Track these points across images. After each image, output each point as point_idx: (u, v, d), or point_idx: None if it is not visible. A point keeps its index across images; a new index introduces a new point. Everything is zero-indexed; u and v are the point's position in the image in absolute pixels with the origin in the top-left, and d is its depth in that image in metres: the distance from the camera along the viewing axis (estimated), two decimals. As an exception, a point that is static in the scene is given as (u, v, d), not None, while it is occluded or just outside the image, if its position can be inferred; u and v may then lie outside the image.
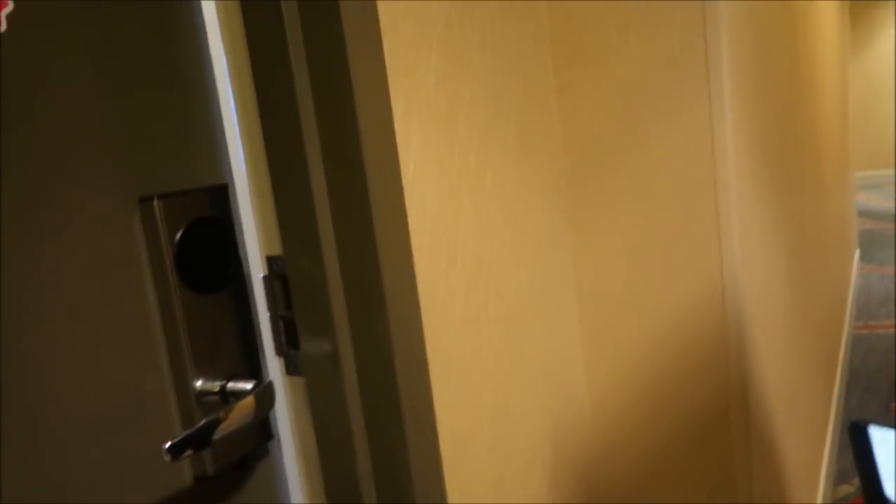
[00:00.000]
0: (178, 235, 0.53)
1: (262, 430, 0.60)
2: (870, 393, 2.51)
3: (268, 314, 0.59)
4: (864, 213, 5.53)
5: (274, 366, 0.61)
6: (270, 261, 0.59)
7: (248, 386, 0.57)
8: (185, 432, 0.49)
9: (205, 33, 0.58)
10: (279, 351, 0.60)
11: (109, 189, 0.51)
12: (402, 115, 0.63)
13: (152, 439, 0.52)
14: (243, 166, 0.59)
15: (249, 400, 0.54)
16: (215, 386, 0.55)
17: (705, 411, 0.89)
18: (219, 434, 0.51)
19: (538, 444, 0.84)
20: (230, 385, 0.57)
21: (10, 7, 0.45)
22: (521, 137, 0.83)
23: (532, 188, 0.84)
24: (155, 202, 0.52)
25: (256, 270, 0.60)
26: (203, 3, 0.57)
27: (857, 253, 4.24)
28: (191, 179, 0.56)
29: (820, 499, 1.76)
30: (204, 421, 0.50)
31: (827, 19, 2.91)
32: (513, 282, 0.79)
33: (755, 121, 1.10)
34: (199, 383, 0.54)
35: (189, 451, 0.49)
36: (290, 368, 0.60)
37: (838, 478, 2.03)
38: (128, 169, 0.52)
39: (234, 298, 0.58)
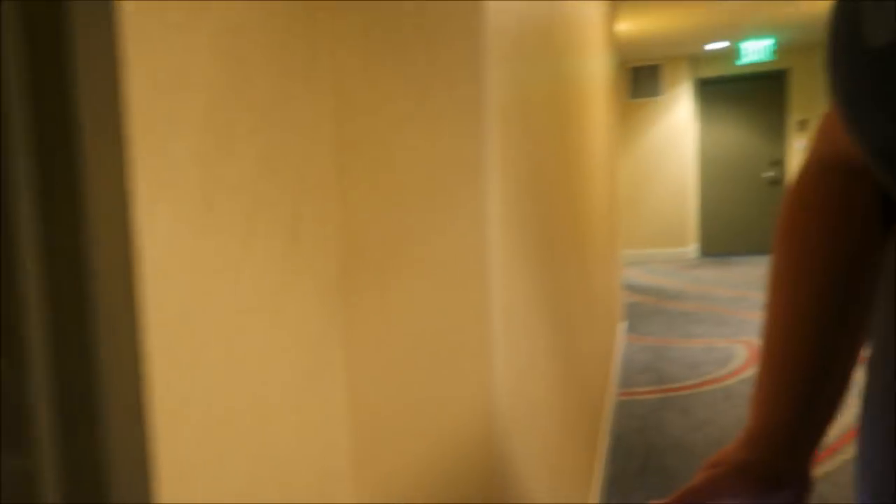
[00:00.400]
0: None
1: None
2: (630, 457, 2.75)
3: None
4: (631, 288, 6.20)
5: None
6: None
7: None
8: None
9: None
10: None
11: None
12: (148, 201, 0.58)
13: None
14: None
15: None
16: None
17: None
18: None
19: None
20: None
21: None
22: (293, 225, 0.80)
23: (301, 279, 0.82)
24: None
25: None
26: None
27: (625, 325, 4.72)
28: None
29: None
30: None
31: (600, 117, 3.28)
32: (272, 381, 0.75)
33: (526, 214, 1.18)
34: None
35: None
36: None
37: (600, 540, 2.17)
38: None
39: None
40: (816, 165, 0.55)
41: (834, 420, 0.55)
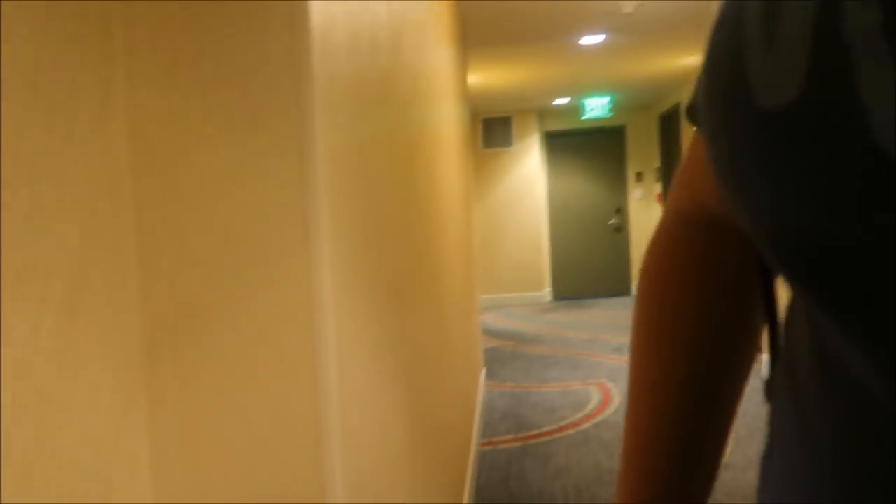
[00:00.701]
0: None
1: None
2: (491, 511, 2.69)
3: None
4: (490, 333, 6.28)
5: None
6: None
7: None
8: None
9: None
10: None
11: None
12: None
13: None
14: None
15: None
16: None
17: None
18: None
19: None
20: None
21: None
22: (72, 296, 0.66)
23: (86, 360, 0.67)
24: None
25: None
26: None
27: (484, 371, 4.73)
28: None
29: None
30: None
31: (454, 166, 3.30)
32: (69, 475, 0.60)
33: (368, 268, 1.09)
34: None
35: None
36: None
37: None
38: None
39: None
40: (676, 221, 0.49)
41: (707, 495, 0.50)
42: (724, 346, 0.47)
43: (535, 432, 3.55)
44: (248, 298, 0.73)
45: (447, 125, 3.19)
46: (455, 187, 3.40)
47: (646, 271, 0.50)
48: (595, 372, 4.67)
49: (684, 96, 6.59)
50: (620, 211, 8.23)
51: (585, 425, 3.60)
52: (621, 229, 8.23)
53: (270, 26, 0.71)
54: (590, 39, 4.70)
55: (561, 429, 3.58)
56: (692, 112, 0.41)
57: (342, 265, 0.87)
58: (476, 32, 4.35)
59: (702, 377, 0.47)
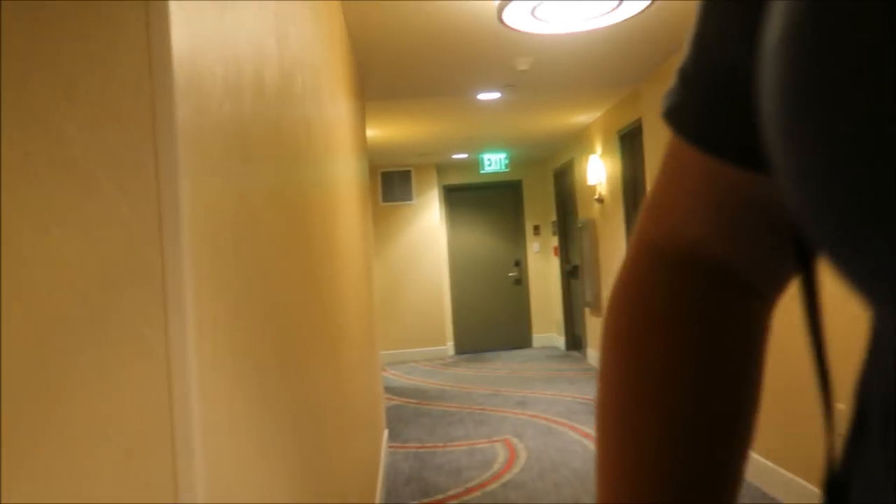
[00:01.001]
0: None
1: None
2: (395, 589, 2.49)
3: None
4: (391, 391, 6.08)
5: None
6: None
7: None
8: None
9: None
10: None
11: None
12: None
13: None
14: None
15: None
16: None
17: None
18: None
19: None
20: None
21: None
22: None
23: None
24: None
25: None
26: None
27: (386, 432, 4.53)
28: None
29: None
30: None
31: (353, 221, 3.18)
32: None
33: (242, 337, 0.94)
34: None
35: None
36: None
37: None
38: None
39: None
40: (649, 259, 0.39)
41: None
42: (712, 422, 0.36)
43: (441, 497, 3.39)
44: (84, 384, 0.58)
45: (345, 178, 3.08)
46: (354, 242, 3.28)
47: (618, 315, 0.40)
48: (500, 428, 4.58)
49: (576, 152, 6.83)
50: (519, 264, 8.34)
51: (492, 486, 3.47)
52: (521, 282, 8.33)
53: (119, 42, 0.59)
54: (487, 96, 4.78)
55: (468, 490, 3.43)
56: (680, 114, 0.32)
57: (214, 332, 0.73)
58: (375, 85, 4.31)
59: (699, 432, 0.36)
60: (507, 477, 3.59)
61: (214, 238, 0.77)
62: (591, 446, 4.00)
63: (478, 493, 3.38)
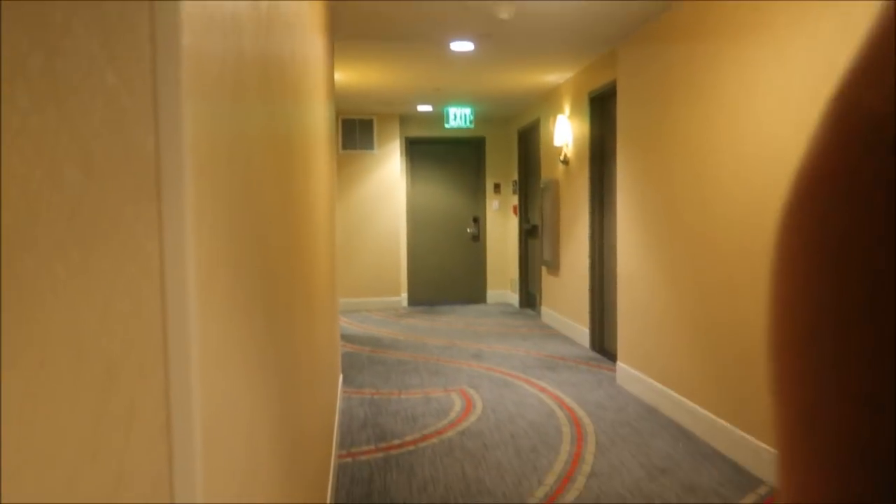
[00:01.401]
0: None
1: None
2: (355, 529, 2.51)
3: None
4: (345, 338, 6.06)
5: None
6: None
7: None
8: None
9: None
10: None
11: None
12: None
13: None
14: None
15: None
16: None
17: None
18: None
19: None
20: None
21: None
22: None
23: None
24: None
25: None
26: None
27: (341, 378, 4.53)
28: None
29: None
30: None
31: (322, 166, 3.10)
32: None
33: (231, 259, 0.90)
34: None
35: None
36: None
37: None
38: None
39: None
40: (870, 137, 0.29)
41: None
42: None
43: (398, 442, 3.42)
44: (62, 289, 0.53)
45: (318, 121, 2.99)
46: (323, 187, 3.21)
47: (815, 228, 0.30)
48: (456, 379, 4.63)
49: (544, 112, 6.81)
50: (478, 220, 8.35)
51: (449, 433, 3.52)
52: (478, 238, 8.35)
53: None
54: (460, 46, 4.69)
55: (424, 437, 3.47)
56: None
57: (210, 241, 0.69)
58: (345, 25, 4.17)
59: None
60: (463, 425, 3.64)
61: (212, 157, 0.72)
62: (548, 401, 4.09)
63: (434, 440, 3.43)
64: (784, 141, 2.70)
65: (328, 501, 2.50)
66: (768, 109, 2.80)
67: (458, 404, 4.03)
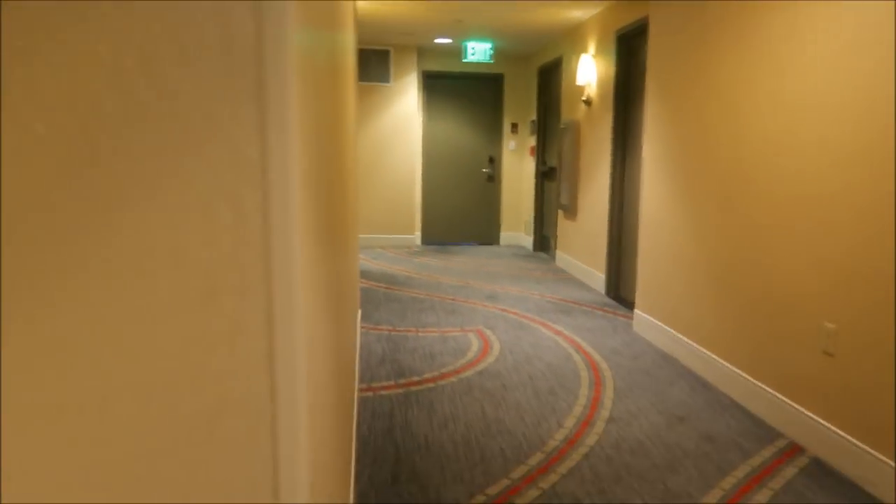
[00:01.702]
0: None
1: None
2: (378, 464, 2.54)
3: None
4: (361, 273, 6.06)
5: None
6: None
7: None
8: None
9: None
10: None
11: None
12: None
13: None
14: None
15: None
16: None
17: None
18: None
19: None
20: None
21: None
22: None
23: None
24: None
25: None
26: None
27: (360, 313, 4.54)
28: None
29: None
30: None
31: (350, 96, 3.01)
32: None
33: (312, 179, 0.85)
34: None
35: None
36: None
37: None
38: None
39: None
40: None
41: None
42: None
43: (417, 379, 3.44)
44: (151, 189, 0.48)
45: (347, 51, 2.88)
46: (350, 120, 3.12)
47: None
48: (472, 318, 4.63)
49: (567, 50, 6.60)
50: (493, 161, 8.23)
51: (468, 373, 3.54)
52: (493, 179, 8.25)
53: None
54: (491, -24, 4.49)
55: (443, 375, 3.49)
56: None
57: (304, 160, 0.64)
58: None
59: None
60: (481, 365, 3.66)
61: (303, 64, 0.66)
62: (564, 344, 4.09)
63: (453, 379, 3.44)
64: (830, 95, 2.59)
65: (353, 432, 2.53)
66: (817, 57, 2.68)
67: (475, 344, 4.05)
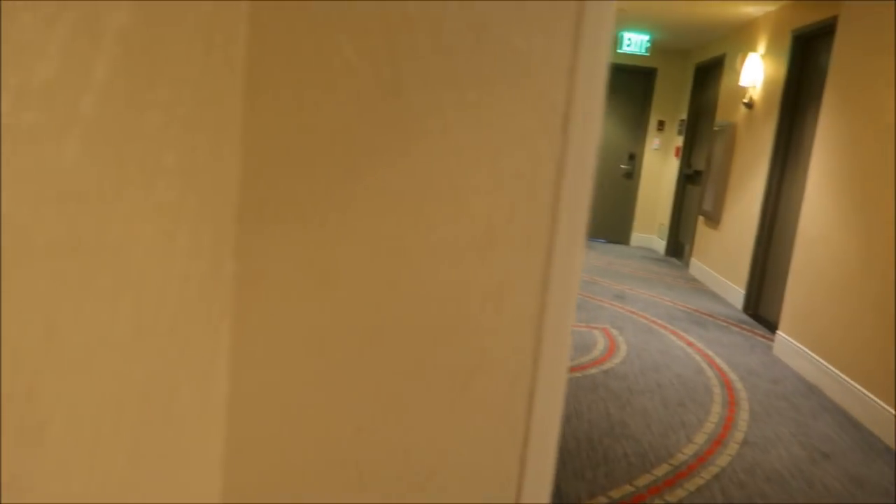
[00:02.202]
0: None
1: None
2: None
3: None
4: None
5: None
6: None
7: None
8: None
9: None
10: None
11: None
12: None
13: None
14: None
15: None
16: None
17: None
18: None
19: None
20: None
21: None
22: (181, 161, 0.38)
23: (189, 219, 0.40)
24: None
25: None
26: None
27: (484, 295, 4.53)
28: None
29: None
30: None
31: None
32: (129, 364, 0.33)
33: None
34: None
35: None
36: None
37: None
38: None
39: None
40: None
41: None
42: None
43: (539, 369, 3.38)
44: (452, 126, 0.45)
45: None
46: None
47: None
48: (598, 316, 4.50)
49: (731, 48, 6.22)
50: (634, 157, 7.94)
51: (592, 370, 3.44)
52: (632, 176, 7.97)
53: None
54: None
55: (569, 370, 3.41)
56: None
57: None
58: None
59: None
60: (607, 365, 3.54)
61: None
62: (696, 356, 3.89)
63: (577, 374, 3.36)
64: None
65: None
66: None
67: (601, 342, 3.93)
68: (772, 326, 4.52)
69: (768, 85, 5.25)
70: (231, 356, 0.46)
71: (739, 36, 6.06)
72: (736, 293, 5.28)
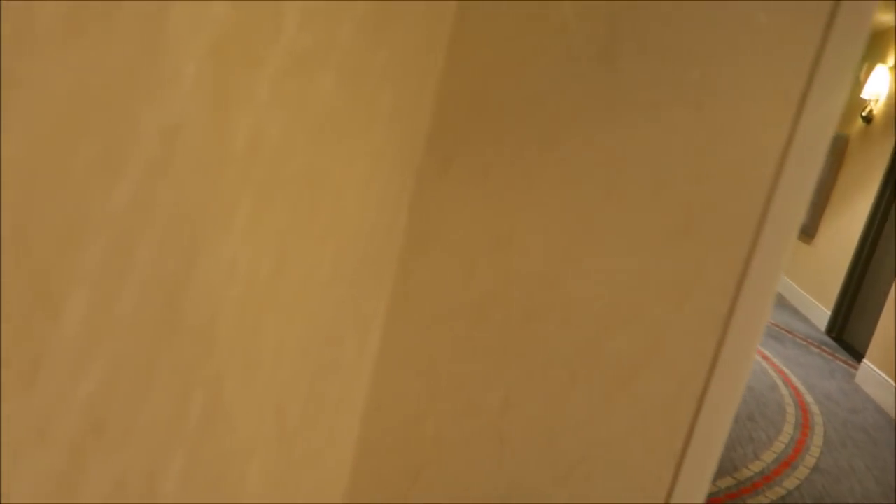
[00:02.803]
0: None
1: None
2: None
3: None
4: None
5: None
6: None
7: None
8: None
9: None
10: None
11: None
12: None
13: None
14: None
15: None
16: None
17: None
18: None
19: None
20: None
21: None
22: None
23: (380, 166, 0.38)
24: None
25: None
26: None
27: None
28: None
29: None
30: None
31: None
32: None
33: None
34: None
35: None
36: None
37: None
38: None
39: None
40: None
41: None
42: None
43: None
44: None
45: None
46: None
47: None
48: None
49: (858, 55, 5.83)
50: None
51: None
52: (724, 176, 7.66)
53: None
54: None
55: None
56: None
57: None
58: None
59: None
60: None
61: None
62: (771, 372, 3.74)
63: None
64: None
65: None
66: None
67: (673, 342, 3.82)
68: (855, 353, 4.30)
69: (893, 100, 4.91)
70: (387, 313, 0.45)
71: (869, 45, 5.67)
72: (820, 313, 5.04)
